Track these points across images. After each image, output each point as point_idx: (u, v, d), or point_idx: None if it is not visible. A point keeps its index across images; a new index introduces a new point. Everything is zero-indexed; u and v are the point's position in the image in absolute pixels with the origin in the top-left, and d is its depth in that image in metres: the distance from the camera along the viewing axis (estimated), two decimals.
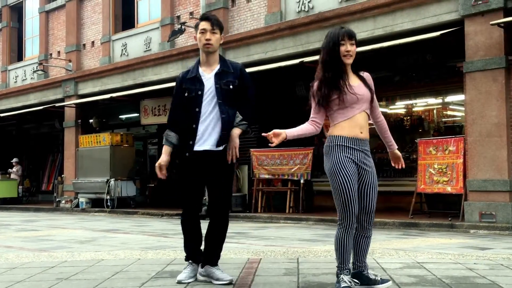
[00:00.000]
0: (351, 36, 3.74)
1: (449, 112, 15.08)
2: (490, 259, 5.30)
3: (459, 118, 14.30)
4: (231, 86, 4.12)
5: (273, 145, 3.78)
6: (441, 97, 14.45)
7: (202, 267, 4.18)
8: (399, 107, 15.15)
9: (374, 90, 3.89)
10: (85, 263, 5.21)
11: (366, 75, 3.91)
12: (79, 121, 19.73)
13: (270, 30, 13.62)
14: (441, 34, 10.34)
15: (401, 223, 10.66)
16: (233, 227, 11.26)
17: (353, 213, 3.67)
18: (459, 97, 12.49)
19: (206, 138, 4.10)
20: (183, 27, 14.83)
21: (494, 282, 4.03)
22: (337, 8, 12.45)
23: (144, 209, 16.45)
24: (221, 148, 4.12)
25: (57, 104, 19.72)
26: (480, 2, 10.15)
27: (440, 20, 10.88)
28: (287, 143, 15.79)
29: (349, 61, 3.76)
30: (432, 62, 12.68)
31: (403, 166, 4.10)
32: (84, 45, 19.74)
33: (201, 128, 4.09)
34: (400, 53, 12.42)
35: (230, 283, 3.99)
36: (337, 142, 3.71)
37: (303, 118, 14.66)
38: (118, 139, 17.81)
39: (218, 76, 4.12)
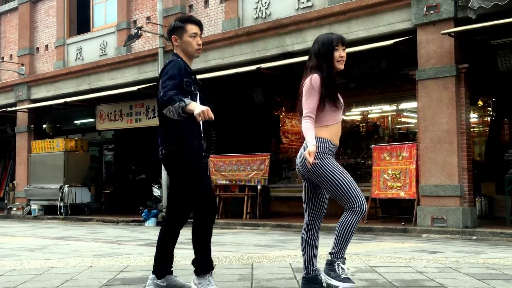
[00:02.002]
0: (343, 42, 3.77)
1: (403, 119, 15.41)
2: (439, 262, 5.43)
3: (413, 125, 14.62)
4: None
5: (311, 160, 3.53)
6: (396, 104, 14.76)
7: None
8: (355, 114, 15.39)
9: None
10: (34, 271, 5.08)
11: None
12: (32, 126, 19.24)
13: (228, 36, 13.63)
14: (395, 42, 10.56)
15: (356, 228, 10.77)
16: (189, 233, 11.17)
17: (363, 198, 3.64)
18: (412, 104, 12.76)
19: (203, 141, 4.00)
20: (139, 31, 14.68)
21: (442, 285, 4.12)
22: (294, 15, 12.57)
23: (99, 215, 16.15)
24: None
25: (8, 109, 19.18)
26: (431, 12, 10.42)
27: (394, 29, 11.11)
28: (244, 149, 15.66)
29: (341, 66, 3.76)
30: (386, 70, 12.93)
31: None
32: (37, 48, 19.29)
33: (196, 129, 3.94)
34: (355, 61, 12.61)
35: None
36: (325, 145, 3.68)
37: (261, 123, 14.69)
38: (72, 145, 17.46)
39: (199, 86, 4.08)
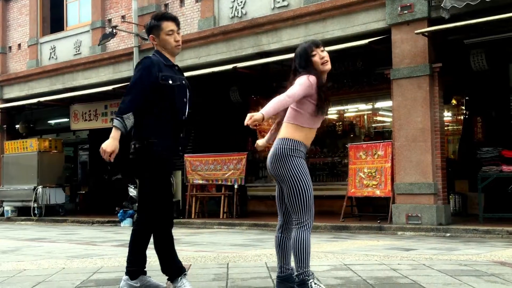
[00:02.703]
0: (317, 44, 3.72)
1: (379, 118, 15.54)
2: (413, 259, 5.48)
3: (388, 124, 14.75)
4: None
5: (248, 122, 3.41)
6: (371, 103, 14.88)
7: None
8: (331, 113, 15.46)
9: None
10: (6, 273, 4.99)
11: None
12: (5, 126, 18.93)
13: (204, 35, 13.58)
14: (369, 42, 10.64)
15: (333, 227, 10.85)
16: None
17: (313, 215, 3.65)
18: (388, 103, 12.88)
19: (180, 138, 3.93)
20: (114, 30, 14.54)
21: (416, 282, 4.16)
22: (270, 15, 12.58)
23: (74, 216, 15.96)
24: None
25: None
26: (405, 11, 10.52)
27: (369, 28, 11.19)
28: (221, 149, 15.65)
29: (327, 67, 3.72)
30: (362, 69, 13.03)
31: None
32: (10, 47, 18.98)
33: (181, 124, 3.90)
34: (331, 60, 12.61)
35: None
36: (297, 147, 3.65)
37: (238, 122, 14.58)
38: (46, 145, 17.20)
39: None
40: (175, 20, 3.97)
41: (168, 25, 3.92)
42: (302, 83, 3.57)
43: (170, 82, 3.81)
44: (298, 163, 3.63)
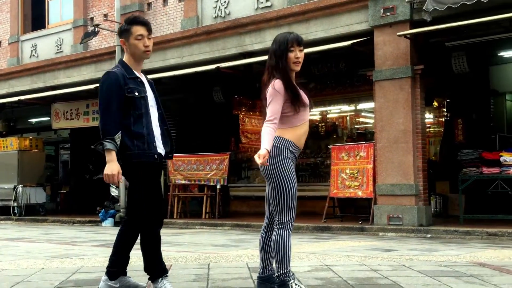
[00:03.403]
0: (300, 42, 3.69)
1: (361, 119, 15.61)
2: (394, 260, 5.51)
3: (371, 125, 14.83)
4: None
5: (263, 161, 3.44)
6: (354, 104, 14.95)
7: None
8: (314, 114, 15.50)
9: None
10: None
11: None
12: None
13: (187, 35, 13.53)
14: (352, 43, 10.69)
15: (315, 227, 10.88)
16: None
17: (294, 216, 3.65)
18: (370, 104, 12.93)
19: (158, 142, 3.92)
20: (96, 29, 14.42)
21: (395, 282, 4.19)
22: (253, 15, 12.57)
23: (54, 216, 15.79)
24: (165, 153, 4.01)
25: None
26: (388, 13, 10.59)
27: (352, 30, 11.24)
28: (203, 149, 15.54)
29: (297, 68, 3.71)
30: (345, 70, 13.08)
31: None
32: None
33: (156, 130, 3.90)
34: (314, 61, 12.72)
35: None
36: (287, 146, 3.64)
37: (221, 122, 14.59)
38: (27, 144, 17.00)
39: (152, 85, 4.03)
40: (146, 25, 3.92)
41: (138, 30, 3.87)
42: (272, 97, 3.59)
43: (136, 94, 3.83)
44: (284, 163, 3.62)
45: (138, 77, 3.93)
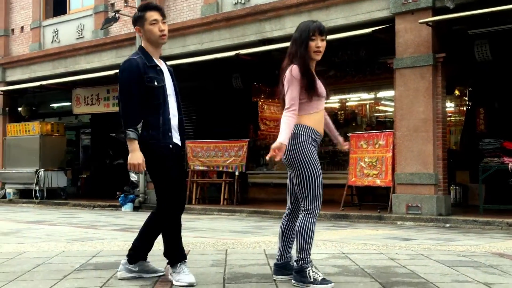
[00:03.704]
0: (322, 31, 3.68)
1: (381, 107, 15.50)
2: (411, 249, 5.49)
3: (390, 113, 14.72)
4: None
5: (278, 159, 3.54)
6: (374, 93, 14.84)
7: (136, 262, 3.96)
8: (333, 102, 15.44)
9: None
10: (6, 255, 5.02)
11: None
12: (7, 109, 18.95)
13: (207, 21, 13.53)
14: (373, 31, 10.59)
15: (333, 215, 10.88)
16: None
17: (320, 203, 3.68)
18: (390, 92, 12.83)
19: (175, 132, 3.91)
20: (117, 15, 14.48)
21: (413, 272, 4.18)
22: (273, 2, 12.50)
23: (75, 200, 16.02)
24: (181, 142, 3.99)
25: None
26: (410, 0, 10.45)
27: (373, 17, 11.13)
28: (222, 135, 15.56)
29: (318, 57, 3.70)
30: (365, 58, 12.97)
31: (345, 149, 4.13)
32: (12, 30, 18.95)
33: (173, 120, 3.90)
34: (334, 48, 12.62)
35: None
36: (308, 133, 3.66)
37: (240, 109, 14.59)
38: (48, 128, 17.22)
39: (172, 74, 4.00)
40: (159, 9, 3.91)
41: (152, 15, 3.86)
42: (289, 84, 3.62)
43: (156, 83, 3.82)
44: (307, 149, 3.64)
45: (158, 65, 3.91)
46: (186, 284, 3.70)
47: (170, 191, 3.81)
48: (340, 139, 4.15)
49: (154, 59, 3.93)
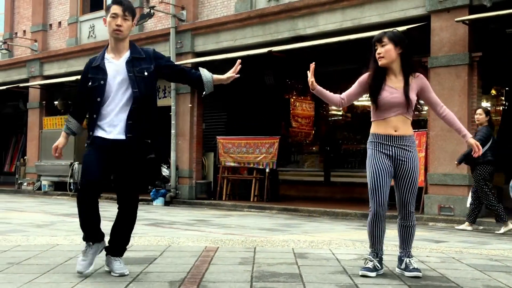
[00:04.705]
0: (379, 39, 4.06)
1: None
2: (443, 252, 5.41)
3: (424, 113, 14.49)
4: (145, 73, 3.92)
5: (311, 82, 4.02)
6: None
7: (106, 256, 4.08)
8: (366, 100, 15.23)
9: (422, 89, 4.11)
10: (39, 247, 5.14)
11: (416, 79, 4.10)
12: (44, 102, 19.36)
13: (240, 18, 13.55)
14: (408, 29, 10.42)
15: (363, 214, 10.78)
16: (196, 214, 11.25)
17: (379, 202, 3.96)
18: None
19: (111, 128, 3.90)
20: (152, 11, 14.63)
21: (443, 275, 4.12)
22: None
23: (107, 193, 16.21)
24: (127, 137, 3.93)
25: (21, 85, 19.29)
26: None
27: (407, 15, 10.98)
28: (254, 132, 15.56)
29: (380, 61, 4.02)
30: None
31: (478, 154, 4.18)
32: (50, 25, 19.32)
33: (104, 118, 3.91)
34: (368, 46, 12.47)
35: (121, 275, 3.89)
36: (372, 139, 4.07)
37: (272, 106, 14.63)
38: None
39: (130, 63, 3.91)
40: (122, 4, 3.89)
41: (114, 8, 3.88)
42: (357, 82, 4.15)
43: (90, 84, 3.90)
44: (369, 155, 4.07)
45: (100, 64, 3.91)
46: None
47: (82, 172, 3.97)
48: (466, 137, 4.32)
49: (110, 54, 3.96)
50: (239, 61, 4.08)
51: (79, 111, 4.10)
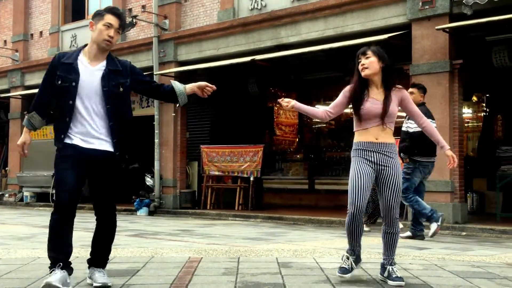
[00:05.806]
0: (363, 52, 4.21)
1: (398, 113, 15.37)
2: (425, 259, 5.44)
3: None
4: (121, 89, 3.88)
5: (286, 105, 4.22)
6: None
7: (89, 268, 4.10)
8: (350, 107, 15.35)
9: (403, 103, 4.36)
10: (20, 261, 5.07)
11: (396, 91, 4.25)
12: (25, 112, 19.03)
13: (223, 27, 13.57)
14: (389, 37, 10.53)
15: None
16: (180, 224, 11.18)
17: (357, 204, 4.05)
18: None
19: (88, 137, 3.86)
20: (134, 20, 14.59)
21: (426, 283, 4.14)
22: (289, 7, 12.51)
23: (90, 204, 16.08)
24: (108, 149, 3.91)
25: (2, 95, 19.12)
26: (427, 7, 10.39)
27: (389, 23, 11.07)
28: (238, 140, 15.57)
29: (363, 72, 4.15)
30: None
31: (453, 165, 4.41)
32: (31, 35, 19.19)
33: (79, 124, 3.84)
34: (350, 54, 12.55)
35: (103, 286, 3.86)
36: (355, 147, 4.21)
37: (255, 114, 14.61)
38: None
39: (105, 78, 3.84)
40: (119, 17, 3.91)
41: (110, 18, 3.86)
42: (341, 93, 4.28)
43: (59, 82, 3.80)
44: (352, 162, 4.20)
45: (73, 64, 3.82)
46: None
47: (56, 191, 3.91)
48: (444, 148, 4.54)
49: (86, 57, 3.88)
50: (213, 87, 4.06)
51: (44, 108, 3.91)
